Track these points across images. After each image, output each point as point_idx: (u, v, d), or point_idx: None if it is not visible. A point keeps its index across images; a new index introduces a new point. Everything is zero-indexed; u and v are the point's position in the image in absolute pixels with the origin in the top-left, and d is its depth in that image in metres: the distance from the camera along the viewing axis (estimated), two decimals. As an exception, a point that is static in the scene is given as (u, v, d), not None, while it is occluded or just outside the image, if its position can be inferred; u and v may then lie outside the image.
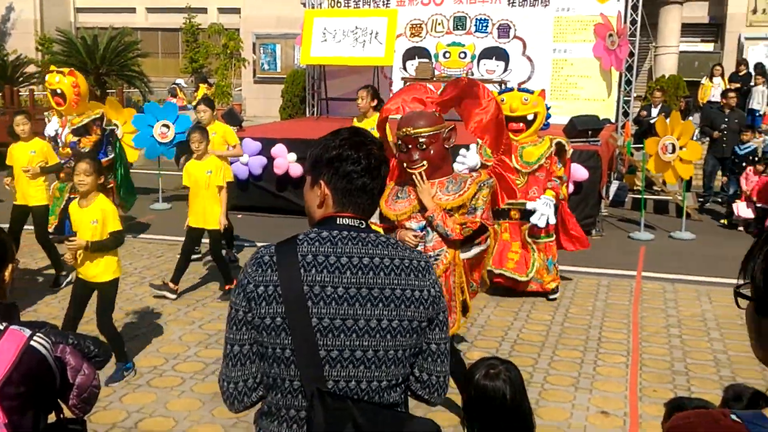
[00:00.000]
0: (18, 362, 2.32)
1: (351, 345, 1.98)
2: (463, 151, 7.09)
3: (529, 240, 7.18)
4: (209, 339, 6.11)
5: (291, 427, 2.04)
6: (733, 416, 1.23)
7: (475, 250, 4.59)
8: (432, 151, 4.38)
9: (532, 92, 7.26)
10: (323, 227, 2.08)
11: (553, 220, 7.00)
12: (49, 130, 8.63)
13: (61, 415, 2.67)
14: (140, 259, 8.58)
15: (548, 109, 7.31)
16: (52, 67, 8.86)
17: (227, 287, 7.06)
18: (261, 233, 9.55)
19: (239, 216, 10.20)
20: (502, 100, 7.02)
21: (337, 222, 2.07)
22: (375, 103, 7.89)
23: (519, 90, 7.33)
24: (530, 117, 7.08)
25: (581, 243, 7.52)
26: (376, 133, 7.87)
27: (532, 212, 7.03)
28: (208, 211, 7.08)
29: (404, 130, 4.41)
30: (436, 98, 4.77)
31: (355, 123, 7.94)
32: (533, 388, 5.18)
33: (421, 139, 4.37)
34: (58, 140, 8.44)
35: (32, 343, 2.38)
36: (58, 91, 8.36)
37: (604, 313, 6.86)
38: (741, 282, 1.30)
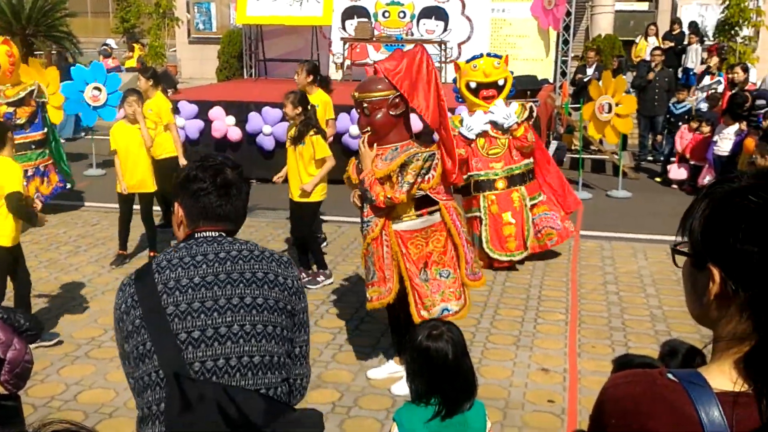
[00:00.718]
0: None
1: (213, 323, 1.96)
2: (492, 108, 6.94)
3: (527, 203, 7.07)
4: (149, 307, 5.99)
5: (163, 423, 1.93)
6: (670, 375, 1.24)
7: (407, 224, 4.52)
8: (377, 117, 4.37)
9: (500, 57, 7.22)
10: (182, 242, 2.14)
11: (515, 118, 6.93)
12: None
13: (-7, 393, 2.58)
14: (74, 228, 8.33)
15: (512, 74, 7.24)
16: None
17: (152, 254, 7.02)
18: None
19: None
20: (474, 67, 6.97)
21: (195, 236, 2.12)
22: (311, 78, 7.60)
23: (488, 55, 7.25)
24: (501, 82, 7.03)
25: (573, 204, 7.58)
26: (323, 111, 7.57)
27: (522, 177, 7.07)
28: (146, 176, 7.03)
29: (352, 94, 4.47)
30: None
31: None
32: (476, 348, 5.25)
33: (364, 104, 4.38)
34: None
35: (-42, 320, 2.29)
36: None
37: (544, 272, 6.98)
38: (679, 240, 1.31)
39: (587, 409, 4.39)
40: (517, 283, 6.68)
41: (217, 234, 2.12)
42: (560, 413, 4.47)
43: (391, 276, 4.54)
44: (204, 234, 2.11)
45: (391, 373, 4.84)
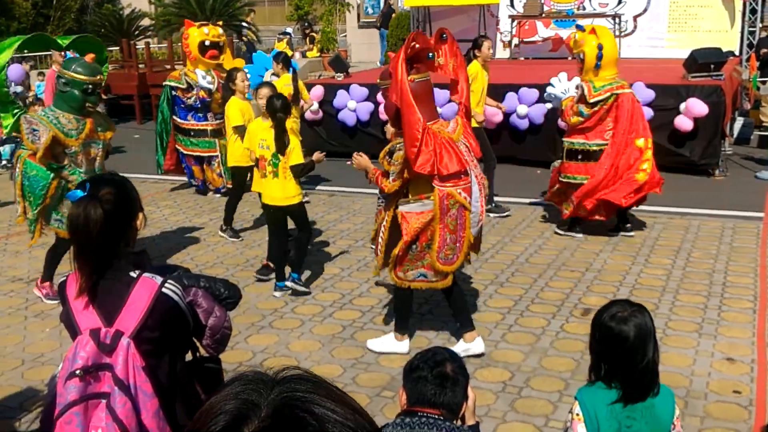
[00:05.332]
0: (151, 309, 2.45)
1: None
2: (554, 79, 7.13)
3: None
4: (325, 283, 6.26)
5: None
6: None
7: (409, 206, 4.70)
8: (385, 104, 4.86)
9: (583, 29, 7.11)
10: (406, 415, 2.38)
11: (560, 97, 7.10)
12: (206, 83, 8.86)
13: (197, 354, 2.81)
14: (256, 206, 8.78)
15: (600, 49, 6.80)
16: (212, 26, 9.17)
17: (265, 263, 6.48)
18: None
19: (348, 163, 10.30)
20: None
21: (418, 414, 2.36)
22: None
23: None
24: (581, 56, 6.92)
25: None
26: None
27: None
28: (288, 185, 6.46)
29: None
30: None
31: None
32: (653, 334, 5.04)
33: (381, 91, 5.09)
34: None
35: (164, 290, 2.50)
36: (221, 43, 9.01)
37: (729, 257, 6.56)
38: None
39: (779, 403, 4.12)
40: (698, 268, 6.33)
41: (437, 417, 2.34)
42: (747, 405, 4.22)
43: (381, 249, 4.87)
44: (426, 414, 2.35)
45: (391, 350, 4.97)
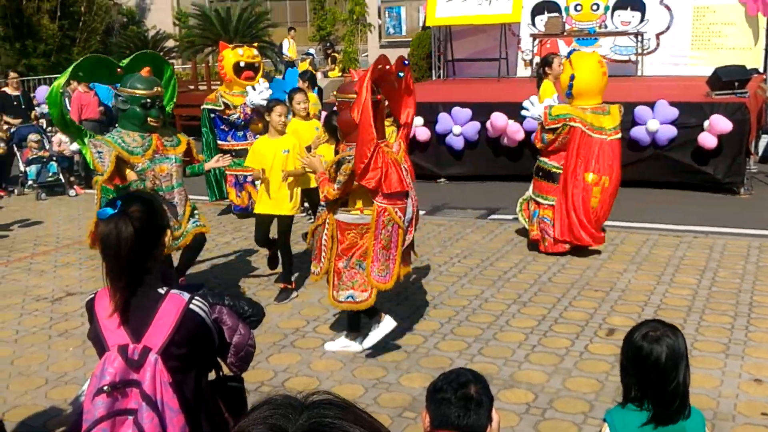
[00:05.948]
0: (179, 325, 2.46)
1: None
2: (526, 103, 7.27)
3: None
4: (347, 301, 6.25)
5: None
6: None
7: (344, 216, 4.92)
8: (340, 117, 4.95)
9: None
10: None
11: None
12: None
13: (221, 373, 2.82)
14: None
15: (572, 79, 6.90)
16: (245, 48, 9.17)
17: (283, 286, 6.44)
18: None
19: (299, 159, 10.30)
20: None
21: None
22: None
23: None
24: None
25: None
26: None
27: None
28: (281, 196, 6.27)
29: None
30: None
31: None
32: (679, 354, 4.98)
33: (336, 104, 5.20)
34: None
35: (191, 306, 2.51)
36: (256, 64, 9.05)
37: (756, 277, 6.47)
38: None
39: (809, 425, 4.04)
40: (724, 288, 6.25)
41: None
42: (777, 428, 4.14)
43: (325, 257, 5.04)
44: None
45: (344, 347, 5.28)
